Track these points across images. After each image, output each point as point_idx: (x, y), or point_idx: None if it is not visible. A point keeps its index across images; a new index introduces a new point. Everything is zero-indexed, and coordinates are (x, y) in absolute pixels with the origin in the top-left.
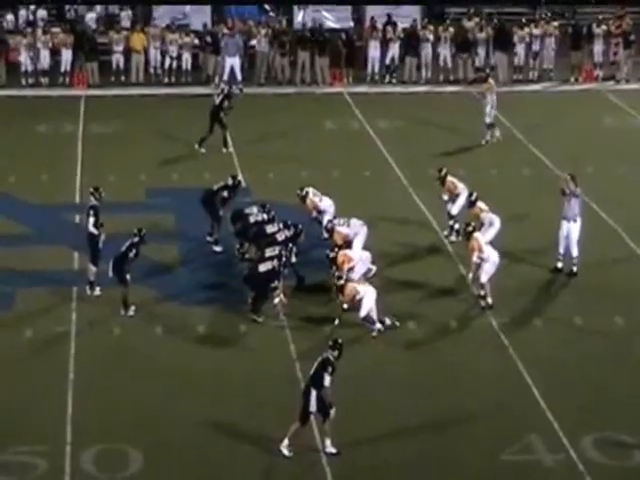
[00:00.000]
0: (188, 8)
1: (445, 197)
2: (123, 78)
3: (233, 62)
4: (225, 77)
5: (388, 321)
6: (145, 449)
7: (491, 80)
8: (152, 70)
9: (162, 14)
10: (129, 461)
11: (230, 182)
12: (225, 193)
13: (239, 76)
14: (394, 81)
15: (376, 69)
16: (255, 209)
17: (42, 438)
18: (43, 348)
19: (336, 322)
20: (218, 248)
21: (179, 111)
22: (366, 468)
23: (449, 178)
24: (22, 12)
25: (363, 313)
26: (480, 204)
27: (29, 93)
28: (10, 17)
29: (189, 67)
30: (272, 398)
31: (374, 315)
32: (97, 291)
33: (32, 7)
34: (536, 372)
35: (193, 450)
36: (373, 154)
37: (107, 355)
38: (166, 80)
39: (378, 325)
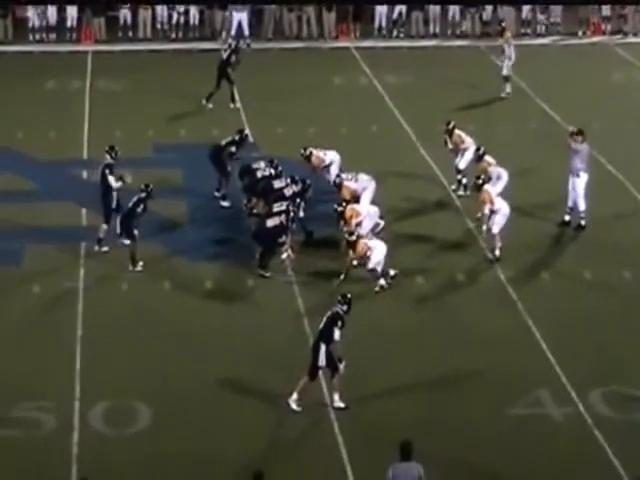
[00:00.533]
0: None
1: (450, 147)
2: (130, 34)
3: (241, 17)
4: (233, 32)
5: (392, 272)
6: (153, 405)
7: (508, 32)
8: (159, 26)
9: None
10: (138, 417)
11: (237, 137)
12: (232, 148)
13: (247, 31)
14: (401, 35)
15: (383, 23)
16: (262, 164)
17: (50, 394)
18: (51, 304)
19: (341, 277)
20: (226, 203)
21: (187, 67)
22: (374, 423)
23: (456, 131)
24: None
25: (371, 265)
26: (488, 158)
27: (36, 49)
28: None
29: (196, 22)
30: (280, 353)
31: (379, 269)
32: (105, 248)
33: None
34: (544, 327)
35: (201, 405)
36: (381, 109)
37: (115, 311)
38: (173, 35)
39: (382, 281)
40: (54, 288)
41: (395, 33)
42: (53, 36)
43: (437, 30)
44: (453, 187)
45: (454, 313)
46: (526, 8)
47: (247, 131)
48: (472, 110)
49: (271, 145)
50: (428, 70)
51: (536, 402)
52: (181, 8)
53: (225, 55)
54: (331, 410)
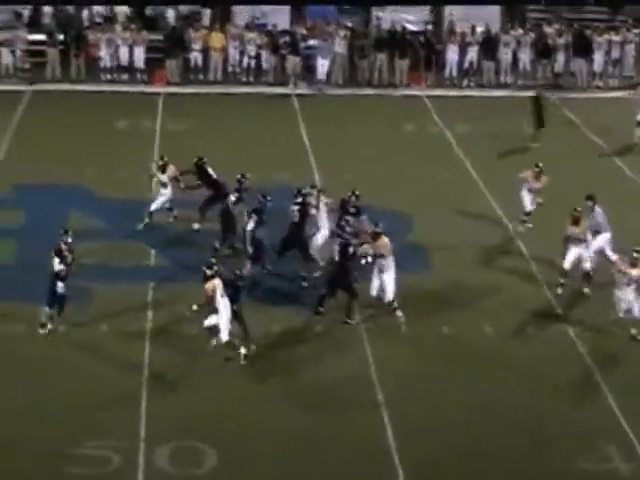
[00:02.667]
0: (267, 8)
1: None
2: (201, 76)
3: (324, 64)
4: (320, 77)
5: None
6: (220, 447)
7: None
8: (230, 69)
9: (241, 13)
10: (204, 459)
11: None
12: (232, 197)
13: (324, 76)
14: (472, 85)
15: (454, 72)
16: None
17: (117, 433)
18: (119, 344)
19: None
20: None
21: (258, 110)
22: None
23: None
24: (100, 8)
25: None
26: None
27: (108, 89)
28: (88, 12)
29: (267, 66)
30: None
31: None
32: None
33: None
34: (610, 376)
35: (268, 448)
36: (450, 157)
37: (181, 352)
38: (244, 79)
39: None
40: (122, 328)
41: (466, 82)
42: (125, 76)
43: (508, 80)
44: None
45: (520, 356)
46: (598, 61)
47: (317, 177)
48: (541, 160)
49: (339, 190)
50: (498, 120)
51: (603, 456)
52: (252, 52)
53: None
54: None
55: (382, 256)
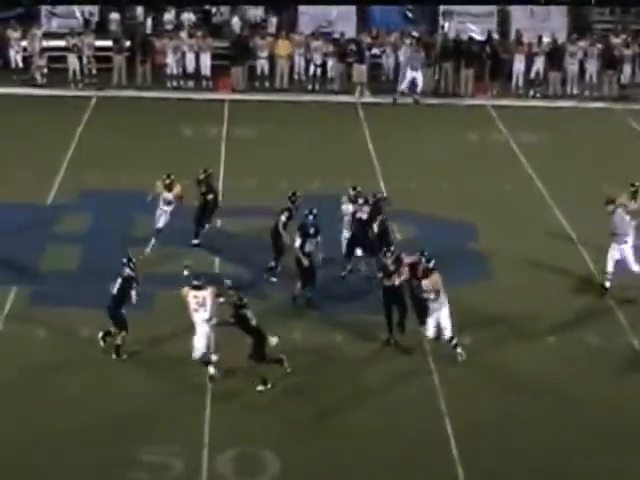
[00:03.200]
0: (334, 16)
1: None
2: (267, 84)
3: (415, 75)
4: (403, 86)
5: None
6: (283, 453)
7: None
8: (296, 77)
9: (307, 21)
10: (267, 466)
11: (288, 203)
12: (283, 217)
13: (420, 88)
14: (538, 95)
15: (520, 83)
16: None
17: (179, 438)
18: (181, 350)
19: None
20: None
21: (324, 118)
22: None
23: None
24: (167, 15)
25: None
26: None
27: (174, 95)
28: (154, 19)
29: (334, 75)
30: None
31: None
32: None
33: (179, 11)
34: None
35: (331, 455)
36: (515, 168)
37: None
38: (310, 87)
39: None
40: (184, 334)
41: (532, 93)
42: (191, 83)
43: (574, 91)
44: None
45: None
46: None
47: (382, 186)
48: (610, 172)
49: (405, 200)
50: (564, 131)
51: None
52: (318, 60)
53: None
54: None
55: (437, 293)
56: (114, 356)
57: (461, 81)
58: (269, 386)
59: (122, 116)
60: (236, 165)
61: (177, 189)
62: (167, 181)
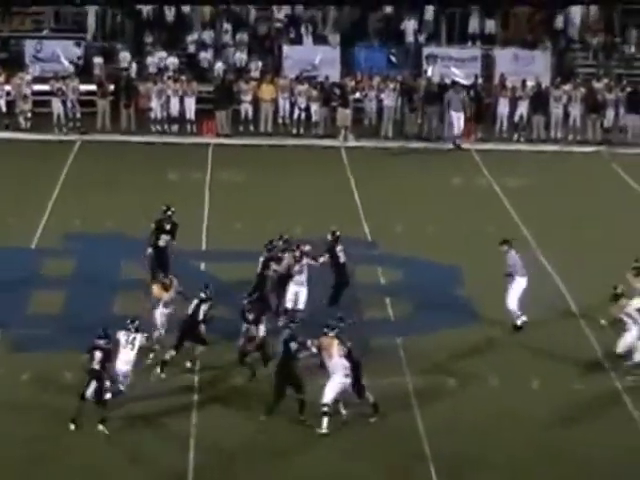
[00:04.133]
0: (318, 60)
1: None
2: (252, 128)
3: (459, 116)
4: (455, 131)
5: None
6: None
7: None
8: (280, 121)
9: (291, 65)
10: None
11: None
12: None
13: (460, 129)
14: (522, 139)
15: (504, 126)
16: None
17: None
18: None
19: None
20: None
21: (308, 162)
22: None
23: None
24: (151, 59)
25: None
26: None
27: (159, 140)
28: (137, 64)
29: (318, 119)
30: None
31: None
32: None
33: (162, 54)
34: None
35: None
36: (499, 212)
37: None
38: (294, 131)
39: None
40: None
41: (516, 137)
42: (175, 127)
43: (558, 135)
44: None
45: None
46: None
47: (367, 230)
48: (591, 216)
49: (390, 243)
50: (548, 175)
51: None
52: (302, 104)
53: None
54: None
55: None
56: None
57: (445, 125)
58: None
59: (106, 160)
60: (220, 209)
61: (174, 288)
62: (164, 282)
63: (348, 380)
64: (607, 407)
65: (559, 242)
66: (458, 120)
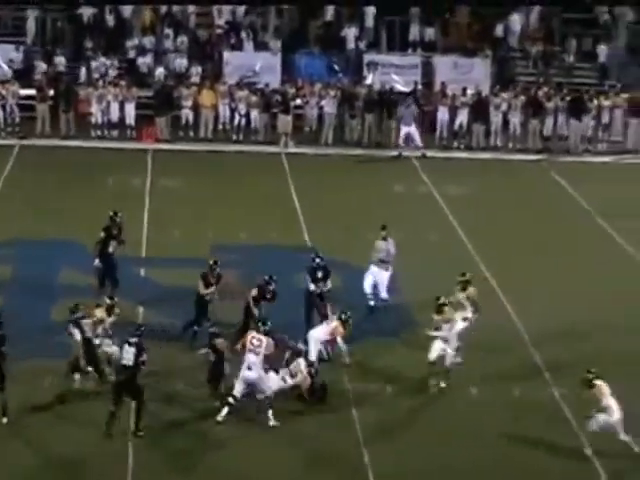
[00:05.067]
0: (259, 66)
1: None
2: (192, 133)
3: (410, 130)
4: (401, 142)
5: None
6: None
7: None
8: (221, 127)
9: (232, 71)
10: None
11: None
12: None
13: (418, 142)
14: (462, 147)
15: (444, 134)
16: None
17: None
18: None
19: None
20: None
21: (247, 169)
22: None
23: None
24: (95, 64)
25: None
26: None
27: (98, 145)
28: (77, 69)
29: (258, 125)
30: None
31: None
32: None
33: (103, 60)
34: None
35: None
36: (439, 219)
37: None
38: (234, 137)
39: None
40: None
41: (456, 144)
42: (115, 133)
43: (498, 143)
44: None
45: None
46: (588, 125)
47: (307, 237)
48: (529, 223)
49: (329, 250)
50: (488, 182)
51: None
52: (243, 110)
53: None
54: None
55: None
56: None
57: (384, 132)
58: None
59: (45, 165)
60: (160, 215)
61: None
62: (109, 304)
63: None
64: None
65: (497, 248)
66: (415, 133)
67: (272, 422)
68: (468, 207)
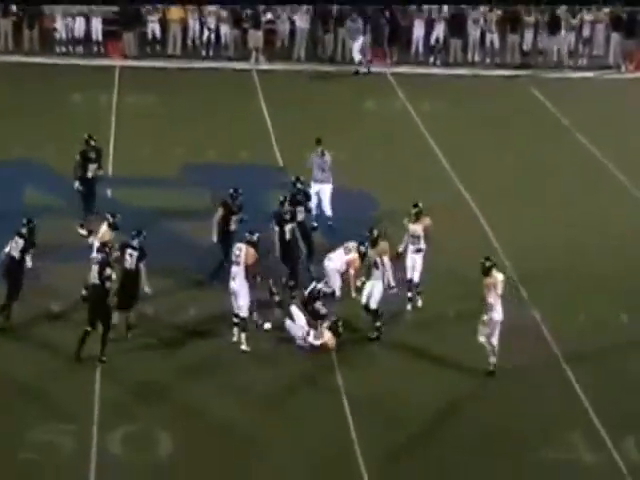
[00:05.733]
0: None
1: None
2: (159, 49)
3: (356, 45)
4: (356, 58)
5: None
6: (175, 432)
7: None
8: (190, 42)
9: None
10: (158, 444)
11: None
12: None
13: (361, 57)
14: (438, 62)
15: (420, 49)
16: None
17: (69, 416)
18: (72, 322)
19: None
20: None
21: (217, 85)
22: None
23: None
24: None
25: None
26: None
27: (63, 62)
28: None
29: (228, 41)
30: None
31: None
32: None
33: None
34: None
35: (221, 434)
36: (415, 136)
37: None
38: (204, 53)
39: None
40: (71, 311)
41: (432, 60)
42: (80, 49)
43: (476, 58)
44: None
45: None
46: (568, 40)
47: (278, 156)
48: (507, 141)
49: (300, 170)
50: (464, 98)
51: (568, 446)
52: (212, 24)
53: None
54: None
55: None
56: None
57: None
58: None
59: (8, 82)
60: (127, 134)
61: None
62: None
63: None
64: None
65: (473, 164)
66: (362, 47)
67: (244, 347)
68: (444, 124)
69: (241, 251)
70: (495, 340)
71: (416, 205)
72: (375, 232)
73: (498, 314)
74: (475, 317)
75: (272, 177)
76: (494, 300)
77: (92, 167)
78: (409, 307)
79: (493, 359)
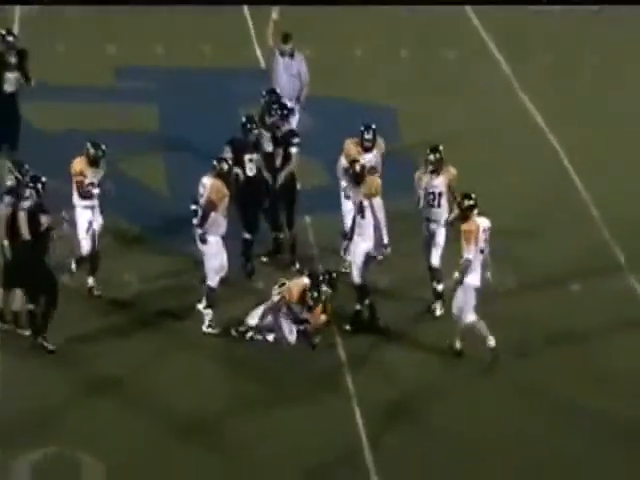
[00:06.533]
0: None
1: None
2: None
3: None
4: None
5: None
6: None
7: None
8: None
9: None
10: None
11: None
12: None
13: None
14: None
15: None
16: None
17: None
18: None
19: None
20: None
21: None
22: None
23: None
24: None
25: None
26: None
27: None
28: None
29: None
30: None
31: None
32: None
33: None
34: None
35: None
36: None
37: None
38: None
39: None
40: None
41: None
42: None
43: None
44: None
45: None
46: None
47: (259, 54)
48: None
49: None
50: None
51: None
52: None
53: None
54: None
55: None
56: None
57: None
58: None
59: None
60: (43, 25)
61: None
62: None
63: None
64: None
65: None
66: None
67: (205, 327)
68: None
69: (205, 187)
70: (471, 317)
71: (435, 149)
72: (359, 164)
73: (475, 277)
74: None
75: (254, 83)
76: (473, 256)
77: (11, 77)
78: (438, 311)
79: (459, 344)
